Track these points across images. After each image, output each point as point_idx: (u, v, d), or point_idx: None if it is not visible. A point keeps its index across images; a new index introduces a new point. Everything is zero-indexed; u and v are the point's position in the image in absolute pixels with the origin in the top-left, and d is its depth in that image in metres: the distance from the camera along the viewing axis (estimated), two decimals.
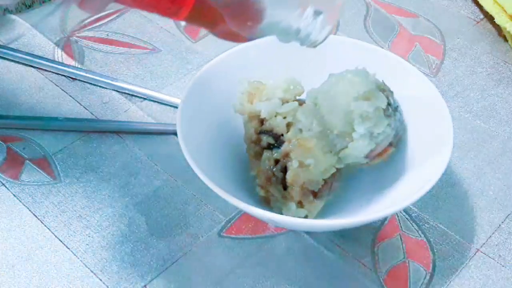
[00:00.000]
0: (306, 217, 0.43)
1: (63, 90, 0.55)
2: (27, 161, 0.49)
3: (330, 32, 0.37)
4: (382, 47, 0.59)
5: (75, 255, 0.43)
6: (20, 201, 0.46)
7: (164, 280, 0.42)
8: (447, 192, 0.48)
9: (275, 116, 0.45)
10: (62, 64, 0.57)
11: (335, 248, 0.44)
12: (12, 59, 0.57)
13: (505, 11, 0.59)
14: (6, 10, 0.62)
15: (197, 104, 0.45)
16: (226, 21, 0.34)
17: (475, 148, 0.51)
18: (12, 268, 0.42)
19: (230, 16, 0.34)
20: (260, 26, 0.35)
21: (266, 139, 0.44)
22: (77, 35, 0.60)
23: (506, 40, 0.61)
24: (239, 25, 0.34)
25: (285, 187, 0.43)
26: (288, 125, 0.44)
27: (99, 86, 0.55)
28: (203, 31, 0.61)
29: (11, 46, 0.59)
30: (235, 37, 0.36)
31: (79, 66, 0.57)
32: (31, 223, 0.45)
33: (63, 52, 0.58)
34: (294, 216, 0.42)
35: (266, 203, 0.44)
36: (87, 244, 0.44)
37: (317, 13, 0.36)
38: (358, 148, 0.42)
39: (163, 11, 0.34)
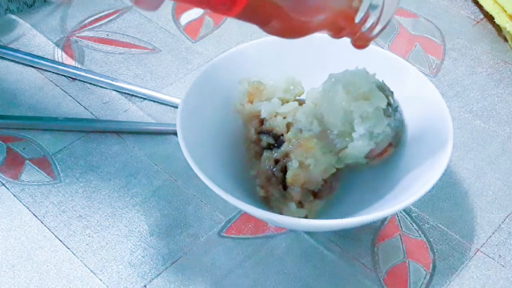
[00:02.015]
0: (306, 217, 0.43)
1: (63, 90, 0.55)
2: (27, 161, 0.49)
3: (383, 30, 0.37)
4: (382, 47, 0.59)
5: (75, 255, 0.43)
6: (20, 201, 0.46)
7: (164, 280, 0.42)
8: (447, 192, 0.48)
9: (275, 116, 0.45)
10: (62, 64, 0.57)
11: (335, 248, 0.44)
12: (12, 59, 0.57)
13: (505, 11, 0.59)
14: (8, 10, 0.62)
15: (197, 104, 0.45)
16: (283, 16, 0.33)
17: (475, 148, 0.51)
18: (12, 268, 0.43)
19: (291, 9, 0.33)
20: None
21: (266, 139, 0.44)
22: (77, 35, 0.60)
23: (506, 40, 0.61)
24: (298, 18, 0.33)
25: (285, 187, 0.43)
26: (288, 125, 0.44)
27: (99, 86, 0.55)
28: (203, 31, 0.61)
29: (11, 46, 0.59)
30: (289, 33, 0.35)
31: (79, 66, 0.57)
32: (31, 223, 0.45)
33: (63, 52, 0.58)
34: (294, 216, 0.42)
35: (266, 203, 0.44)
36: (87, 244, 0.44)
37: (372, 7, 0.36)
38: (358, 148, 0.42)
39: (217, 7, 0.32)
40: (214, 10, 0.33)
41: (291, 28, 0.34)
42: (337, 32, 0.37)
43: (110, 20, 0.62)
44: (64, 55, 0.58)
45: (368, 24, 0.36)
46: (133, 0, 0.31)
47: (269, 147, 0.44)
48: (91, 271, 0.42)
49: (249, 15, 0.33)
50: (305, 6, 0.33)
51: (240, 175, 0.45)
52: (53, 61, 0.57)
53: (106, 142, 0.51)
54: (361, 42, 0.38)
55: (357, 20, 0.36)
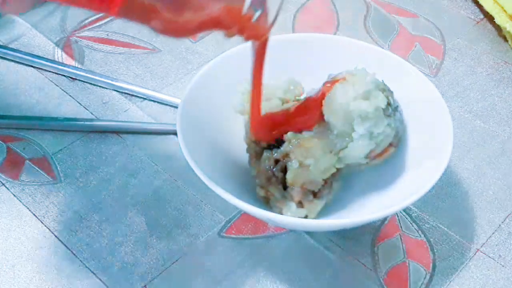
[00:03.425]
0: (306, 217, 0.43)
1: (63, 90, 0.55)
2: (27, 161, 0.49)
3: (276, 18, 0.36)
4: (382, 47, 0.59)
5: (75, 255, 0.43)
6: (20, 201, 0.46)
7: (164, 280, 0.42)
8: (447, 192, 0.48)
9: None
10: (62, 64, 0.57)
11: (335, 248, 0.44)
12: (12, 59, 0.57)
13: (505, 11, 0.59)
14: None
15: (197, 104, 0.45)
16: (161, 16, 0.32)
17: (475, 148, 0.51)
18: (12, 268, 0.42)
19: (166, 9, 0.32)
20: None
21: None
22: (77, 35, 0.60)
23: (506, 40, 0.61)
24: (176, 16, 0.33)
25: (285, 187, 0.43)
26: None
27: (99, 86, 0.55)
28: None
29: (11, 46, 0.59)
30: (172, 32, 0.35)
31: (79, 66, 0.57)
32: (31, 223, 0.45)
33: (63, 52, 0.58)
34: (294, 216, 0.42)
35: (266, 203, 0.44)
36: (87, 244, 0.44)
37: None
38: (358, 148, 0.42)
39: (97, 7, 0.32)
40: (95, 10, 0.32)
41: (173, 28, 0.33)
42: (227, 30, 0.35)
43: (110, 20, 0.62)
44: (64, 55, 0.58)
45: (256, 14, 0.35)
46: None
47: (269, 147, 0.44)
48: (91, 271, 0.42)
49: (128, 14, 0.33)
50: (180, 7, 0.32)
51: (240, 175, 0.45)
52: (53, 61, 0.57)
53: (106, 142, 0.51)
54: (255, 36, 0.37)
55: (244, 11, 0.34)
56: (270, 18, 0.36)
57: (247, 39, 0.37)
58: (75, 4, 0.32)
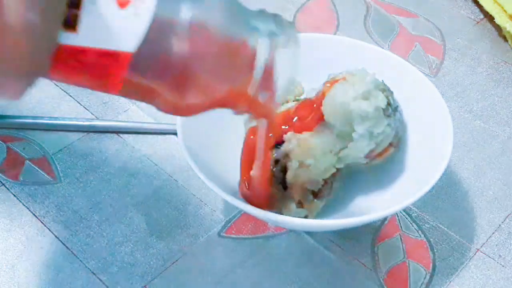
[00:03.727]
0: (306, 217, 0.43)
1: (63, 90, 0.55)
2: (27, 161, 0.49)
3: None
4: (382, 47, 0.59)
5: (75, 255, 0.43)
6: (20, 201, 0.46)
7: (164, 280, 0.42)
8: (447, 192, 0.48)
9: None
10: None
11: (335, 248, 0.44)
12: None
13: (505, 11, 0.59)
14: None
15: None
16: (164, 98, 0.31)
17: (475, 148, 0.51)
18: (12, 268, 0.42)
19: (169, 94, 0.31)
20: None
21: None
22: None
23: (506, 40, 0.61)
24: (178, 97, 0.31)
25: (285, 187, 0.43)
26: None
27: None
28: None
29: None
30: (175, 112, 0.33)
31: None
32: (31, 223, 0.45)
33: None
34: (294, 216, 0.42)
35: None
36: (87, 244, 0.44)
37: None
38: (358, 148, 0.42)
39: (97, 89, 0.31)
40: (96, 90, 0.32)
41: (177, 109, 0.32)
42: (234, 108, 0.34)
43: None
44: None
45: (264, 94, 0.33)
46: None
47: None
48: (91, 271, 0.42)
49: (129, 95, 0.32)
50: (183, 89, 0.31)
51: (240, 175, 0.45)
52: None
53: (106, 142, 0.51)
54: (265, 115, 0.36)
55: (251, 92, 0.33)
56: (277, 98, 0.35)
57: (256, 117, 0.37)
58: (74, 84, 0.31)
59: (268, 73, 0.32)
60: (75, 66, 0.29)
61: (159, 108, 0.32)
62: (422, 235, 0.45)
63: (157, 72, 0.30)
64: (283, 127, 0.44)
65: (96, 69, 0.29)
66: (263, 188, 0.41)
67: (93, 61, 0.28)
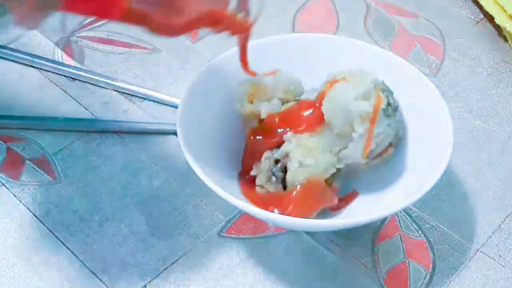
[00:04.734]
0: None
1: (63, 90, 0.55)
2: (27, 161, 0.49)
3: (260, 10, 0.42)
4: (382, 47, 0.59)
5: (75, 255, 0.43)
6: (20, 201, 0.46)
7: (164, 280, 0.42)
8: (447, 192, 0.48)
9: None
10: (62, 64, 0.57)
11: (335, 248, 0.44)
12: (12, 59, 0.57)
13: (505, 11, 0.59)
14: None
15: (197, 104, 0.45)
16: (157, 20, 0.37)
17: (475, 148, 0.51)
18: (12, 268, 0.42)
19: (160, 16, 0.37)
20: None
21: None
22: (77, 35, 0.60)
23: (506, 40, 0.61)
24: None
25: (285, 187, 0.43)
26: None
27: (99, 86, 0.55)
28: (203, 31, 0.61)
29: (11, 46, 0.59)
30: (167, 31, 0.39)
31: (79, 66, 0.57)
32: (31, 223, 0.45)
33: (63, 52, 0.58)
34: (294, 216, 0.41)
35: None
36: (87, 244, 0.44)
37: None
38: (358, 148, 0.42)
39: (99, 16, 0.39)
40: (99, 17, 0.38)
41: (165, 29, 0.38)
42: (215, 27, 0.40)
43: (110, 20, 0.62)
44: (64, 55, 0.58)
45: (240, 13, 0.40)
46: (17, 20, 0.34)
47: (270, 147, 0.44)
48: (91, 271, 0.42)
49: (126, 20, 0.37)
50: (170, 11, 0.37)
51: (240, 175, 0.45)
52: (53, 61, 0.57)
53: (106, 142, 0.51)
54: (241, 31, 0.42)
55: (229, 12, 0.40)
56: (252, 16, 0.41)
57: (233, 34, 0.42)
58: (79, 13, 0.38)
59: None
60: None
61: (153, 31, 0.37)
62: (422, 235, 0.45)
63: None
64: (283, 127, 0.44)
65: None
66: None
67: None
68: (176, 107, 0.51)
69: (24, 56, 0.57)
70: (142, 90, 0.54)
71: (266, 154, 0.44)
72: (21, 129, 0.51)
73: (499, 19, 0.59)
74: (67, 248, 0.44)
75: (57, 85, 0.55)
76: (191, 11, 0.38)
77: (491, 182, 0.49)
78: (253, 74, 0.45)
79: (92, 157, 0.49)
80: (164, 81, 0.56)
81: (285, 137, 0.43)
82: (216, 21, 0.40)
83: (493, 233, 0.45)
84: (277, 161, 0.43)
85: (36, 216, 0.45)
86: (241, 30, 0.42)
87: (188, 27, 0.39)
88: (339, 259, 0.43)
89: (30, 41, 0.59)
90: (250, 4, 0.41)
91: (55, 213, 0.46)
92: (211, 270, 0.43)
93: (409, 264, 0.43)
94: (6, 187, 0.47)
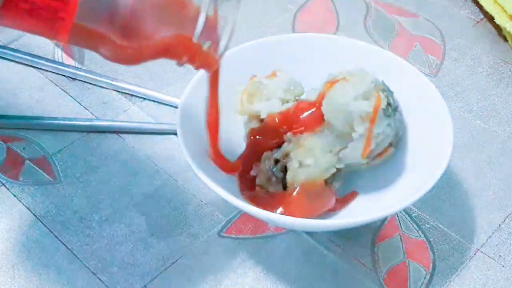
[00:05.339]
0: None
1: (63, 90, 0.55)
2: (27, 161, 0.49)
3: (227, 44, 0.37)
4: (382, 47, 0.59)
5: (75, 255, 0.43)
6: (20, 201, 0.46)
7: (164, 280, 0.42)
8: (447, 192, 0.48)
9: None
10: (62, 64, 0.57)
11: (335, 248, 0.44)
12: (12, 59, 0.57)
13: (505, 11, 0.59)
14: None
15: (197, 104, 0.45)
16: (111, 44, 0.33)
17: (475, 148, 0.51)
18: (12, 268, 0.42)
19: (117, 37, 0.33)
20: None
21: None
22: None
23: (506, 40, 0.61)
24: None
25: (285, 187, 0.43)
26: None
27: (99, 86, 0.55)
28: None
29: (11, 46, 0.59)
30: (121, 60, 0.35)
31: (79, 66, 0.57)
32: (31, 223, 0.45)
33: (63, 52, 0.58)
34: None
35: None
36: (87, 244, 0.44)
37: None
38: (358, 148, 0.42)
39: (45, 33, 0.33)
40: (45, 36, 0.34)
41: (124, 56, 0.34)
42: (178, 58, 0.36)
43: None
44: (64, 55, 0.58)
45: (207, 43, 0.35)
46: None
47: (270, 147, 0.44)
48: (91, 271, 0.42)
49: (78, 42, 0.34)
50: (130, 34, 0.33)
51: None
52: (53, 61, 0.57)
53: (106, 142, 0.51)
54: (207, 65, 0.38)
55: (195, 40, 0.35)
56: (221, 49, 0.37)
57: (198, 68, 0.38)
58: (24, 29, 0.33)
59: (212, 24, 0.34)
60: (25, 8, 0.30)
61: (107, 56, 0.33)
62: (422, 235, 0.45)
63: (104, 16, 0.31)
64: (283, 127, 0.44)
65: (46, 12, 0.30)
66: (215, 146, 0.42)
67: (43, 4, 0.30)
68: (176, 107, 0.52)
69: (24, 56, 0.57)
70: (142, 90, 0.54)
71: (266, 154, 0.44)
72: (21, 129, 0.51)
73: (499, 19, 0.59)
74: (67, 248, 0.44)
75: (57, 85, 0.55)
76: (153, 35, 0.34)
77: (491, 182, 0.49)
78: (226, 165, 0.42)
79: (92, 157, 0.49)
80: (164, 81, 0.56)
81: (285, 137, 0.43)
82: (180, 49, 0.36)
83: (493, 233, 0.45)
84: (277, 161, 0.43)
85: (36, 216, 0.45)
86: (209, 63, 0.38)
87: (148, 55, 0.35)
88: (339, 259, 0.43)
89: (30, 41, 0.59)
90: (219, 33, 0.36)
91: (55, 213, 0.46)
92: (211, 270, 0.43)
93: (409, 264, 0.43)
94: (6, 187, 0.47)
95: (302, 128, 0.43)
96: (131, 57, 0.34)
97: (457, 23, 0.63)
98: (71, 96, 0.54)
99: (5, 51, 0.58)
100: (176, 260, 0.43)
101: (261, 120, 0.45)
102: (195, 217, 0.46)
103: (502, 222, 0.46)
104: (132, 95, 0.54)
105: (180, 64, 0.36)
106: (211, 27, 0.35)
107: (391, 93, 0.43)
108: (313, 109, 0.43)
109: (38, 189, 0.47)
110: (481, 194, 0.48)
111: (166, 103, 0.54)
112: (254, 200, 0.43)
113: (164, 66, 0.58)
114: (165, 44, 0.35)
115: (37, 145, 0.50)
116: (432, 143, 0.43)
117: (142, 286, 0.42)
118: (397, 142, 0.44)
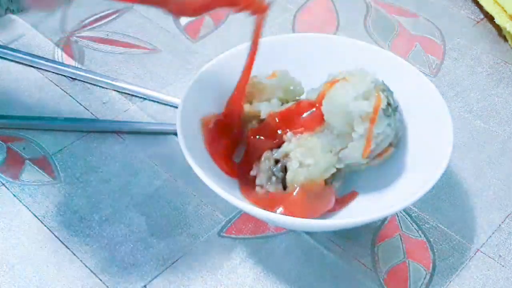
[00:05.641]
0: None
1: (63, 90, 0.55)
2: (27, 161, 0.49)
3: None
4: (382, 47, 0.59)
5: (75, 255, 0.43)
6: (20, 201, 0.46)
7: (164, 280, 0.42)
8: (447, 192, 0.48)
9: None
10: (62, 64, 0.57)
11: (335, 248, 0.44)
12: (12, 59, 0.57)
13: (505, 11, 0.59)
14: (8, 10, 0.62)
15: (197, 104, 0.45)
16: None
17: (475, 148, 0.51)
18: (12, 268, 0.43)
19: None
20: None
21: None
22: (77, 35, 0.60)
23: (506, 40, 0.61)
24: None
25: (285, 187, 0.43)
26: None
27: (99, 86, 0.55)
28: (203, 31, 0.61)
29: (11, 46, 0.59)
30: (186, 11, 0.39)
31: (79, 66, 0.57)
32: (31, 223, 0.45)
33: (63, 52, 0.58)
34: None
35: None
36: (87, 244, 0.44)
37: None
38: (358, 148, 0.42)
39: None
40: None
41: (185, 8, 0.38)
42: (233, 6, 0.41)
43: (110, 20, 0.62)
44: (64, 55, 0.58)
45: None
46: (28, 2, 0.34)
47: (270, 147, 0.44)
48: (91, 271, 0.42)
49: (146, 1, 0.39)
50: None
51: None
52: (53, 61, 0.57)
53: (106, 142, 0.51)
54: (259, 11, 0.42)
55: None
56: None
57: (252, 14, 0.42)
58: None
59: None
60: None
61: (171, 10, 0.38)
62: (422, 235, 0.45)
63: None
64: (283, 127, 0.44)
65: None
66: (238, 97, 0.45)
67: None
68: (176, 107, 0.52)
69: (24, 56, 0.57)
70: (142, 90, 0.54)
71: (266, 154, 0.44)
72: (21, 129, 0.51)
73: (499, 19, 0.60)
74: (67, 248, 0.44)
75: (57, 85, 0.55)
76: None
77: (491, 182, 0.49)
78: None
79: (92, 157, 0.50)
80: (164, 81, 0.56)
81: (285, 137, 0.43)
82: (234, 1, 0.40)
83: (493, 233, 0.45)
84: (277, 161, 0.43)
85: (36, 216, 0.45)
86: (259, 10, 0.42)
87: (206, 6, 0.39)
88: (339, 259, 0.43)
89: (30, 41, 0.59)
90: None
91: (55, 213, 0.46)
92: (211, 270, 0.43)
93: (409, 264, 0.43)
94: (6, 187, 0.47)
95: (302, 128, 0.43)
96: (193, 9, 0.39)
97: (457, 23, 0.63)
98: (71, 96, 0.54)
99: (5, 51, 0.58)
100: (176, 260, 0.43)
101: (261, 120, 0.45)
102: (195, 217, 0.46)
103: (502, 222, 0.46)
104: (132, 95, 0.54)
105: (235, 11, 0.41)
106: None
107: (391, 93, 0.43)
108: (313, 109, 0.43)
109: (38, 189, 0.47)
110: (481, 194, 0.48)
111: (166, 103, 0.54)
112: (254, 200, 0.43)
113: (164, 66, 0.58)
114: None
115: (37, 145, 0.50)
116: (432, 143, 0.43)
117: (142, 286, 0.42)
118: (397, 142, 0.44)
